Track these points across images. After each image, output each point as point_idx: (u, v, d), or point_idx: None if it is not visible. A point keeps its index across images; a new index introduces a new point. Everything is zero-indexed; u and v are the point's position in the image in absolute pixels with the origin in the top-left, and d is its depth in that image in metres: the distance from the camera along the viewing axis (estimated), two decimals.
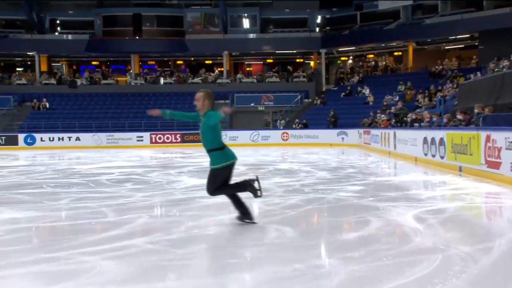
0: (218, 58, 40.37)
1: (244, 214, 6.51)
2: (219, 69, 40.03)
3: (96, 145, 30.46)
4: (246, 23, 40.32)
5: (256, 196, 6.39)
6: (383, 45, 38.07)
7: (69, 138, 30.94)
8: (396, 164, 16.18)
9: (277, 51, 39.63)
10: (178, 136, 31.54)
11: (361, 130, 27.07)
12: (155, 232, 6.24)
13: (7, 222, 6.97)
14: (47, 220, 7.16)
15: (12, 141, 30.55)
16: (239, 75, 39.17)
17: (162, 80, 38.97)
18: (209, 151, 6.18)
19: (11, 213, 7.63)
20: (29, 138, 30.63)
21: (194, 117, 6.38)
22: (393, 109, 26.64)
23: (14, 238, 6.09)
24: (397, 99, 29.76)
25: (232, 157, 6.21)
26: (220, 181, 6.27)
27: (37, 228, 6.78)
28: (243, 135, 31.20)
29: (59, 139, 30.84)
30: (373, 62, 39.31)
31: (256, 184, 6.37)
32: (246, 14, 40.07)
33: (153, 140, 31.39)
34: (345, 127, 29.82)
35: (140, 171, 14.47)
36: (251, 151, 24.81)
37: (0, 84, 37.69)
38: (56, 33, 40.33)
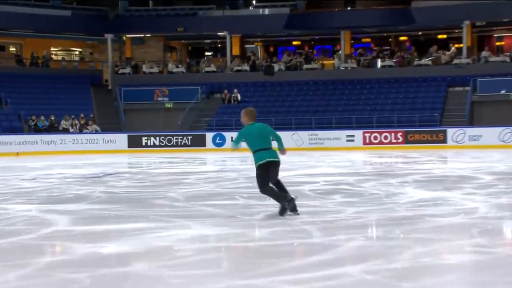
0: (456, 30, 39.12)
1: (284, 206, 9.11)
2: (456, 45, 38.76)
3: (297, 147, 31.52)
4: None
5: (281, 213, 9.11)
6: None
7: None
8: None
9: None
10: (399, 135, 31.30)
11: None
12: (372, 259, 6.30)
13: (196, 239, 7.59)
14: (240, 239, 7.64)
15: (199, 142, 33.05)
16: (484, 53, 37.47)
17: (379, 62, 38.99)
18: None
19: (200, 229, 8.30)
20: (218, 138, 32.86)
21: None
22: None
23: (204, 260, 6.60)
24: None
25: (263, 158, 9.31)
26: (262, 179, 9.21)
27: (229, 248, 7.27)
28: (489, 134, 29.83)
29: None
30: None
31: (290, 204, 9.13)
32: None
33: (367, 140, 31.57)
34: None
35: (351, 180, 14.68)
36: (500, 155, 23.65)
37: (187, 72, 41.09)
38: (251, 7, 42.68)
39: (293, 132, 32.45)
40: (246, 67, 40.61)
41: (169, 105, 38.03)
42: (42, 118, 34.08)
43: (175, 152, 30.36)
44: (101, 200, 11.71)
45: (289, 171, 18.32)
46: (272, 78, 39.43)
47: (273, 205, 10.44)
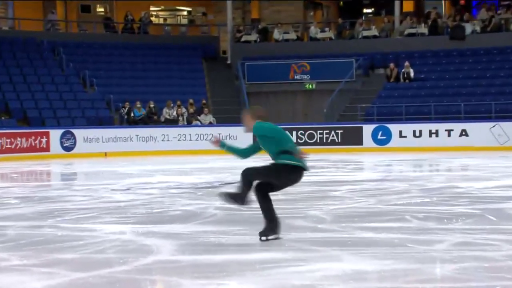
0: None
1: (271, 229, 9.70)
2: None
3: (499, 145, 30.81)
4: None
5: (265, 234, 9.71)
6: None
7: (449, 132, 32.00)
8: None
9: None
10: None
11: None
12: None
13: (350, 277, 7.62)
14: (414, 278, 7.61)
15: (353, 138, 32.86)
16: None
17: None
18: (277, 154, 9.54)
19: (356, 262, 8.35)
20: (380, 133, 32.60)
21: (254, 149, 9.93)
22: None
23: None
24: None
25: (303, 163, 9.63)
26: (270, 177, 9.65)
27: None
28: None
29: (430, 133, 32.14)
30: None
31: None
32: None
33: None
34: None
35: None
36: None
37: (337, 39, 41.09)
38: None
39: (494, 123, 31.73)
40: (423, 29, 40.15)
41: (310, 86, 38.20)
42: (138, 105, 35.02)
43: (319, 153, 30.44)
44: (217, 220, 12.01)
45: (487, 180, 17.99)
46: (463, 44, 38.68)
47: (462, 229, 10.36)
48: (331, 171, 22.34)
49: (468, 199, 14.11)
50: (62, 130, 32.38)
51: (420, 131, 32.19)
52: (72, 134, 32.29)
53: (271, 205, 9.73)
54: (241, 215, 12.37)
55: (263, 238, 9.63)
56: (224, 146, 9.91)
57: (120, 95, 36.08)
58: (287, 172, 9.58)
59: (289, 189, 16.65)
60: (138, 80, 38.76)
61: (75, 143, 32.24)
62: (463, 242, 9.38)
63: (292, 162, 9.46)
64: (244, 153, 9.98)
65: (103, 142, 32.65)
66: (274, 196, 15.38)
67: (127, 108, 34.90)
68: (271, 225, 9.65)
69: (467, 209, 12.65)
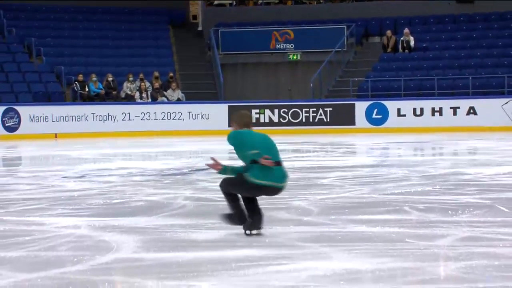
0: None
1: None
2: None
3: (511, 125, 30.85)
4: None
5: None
6: None
7: (455, 109, 32.16)
8: None
9: None
10: None
11: None
12: None
13: (341, 277, 7.63)
14: (414, 278, 7.66)
15: (344, 117, 32.95)
16: None
17: None
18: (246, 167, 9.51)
19: (347, 261, 8.39)
20: (375, 111, 32.58)
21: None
22: None
23: None
24: None
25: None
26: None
27: None
28: None
29: (433, 111, 32.22)
30: None
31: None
32: None
33: None
34: None
35: None
36: None
37: (326, 2, 40.99)
38: None
39: (507, 99, 31.83)
40: None
41: (295, 57, 38.10)
42: (94, 78, 34.74)
43: (305, 135, 30.39)
44: (187, 212, 11.99)
45: (499, 166, 18.50)
46: (472, 8, 38.69)
47: (467, 222, 10.44)
48: (319, 155, 22.34)
49: (477, 188, 14.22)
50: (4, 108, 32.21)
51: (422, 109, 32.26)
52: (16, 112, 32.10)
53: (256, 202, 9.73)
54: (215, 206, 12.27)
55: (247, 232, 9.67)
56: (226, 171, 9.76)
57: (73, 66, 35.84)
58: (261, 191, 9.56)
59: None
60: (94, 49, 38.46)
61: (19, 123, 32.05)
62: (471, 237, 9.41)
63: (261, 181, 9.37)
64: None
65: (52, 121, 32.44)
66: None
67: (81, 82, 34.59)
68: (254, 218, 9.61)
69: (475, 199, 12.75)
